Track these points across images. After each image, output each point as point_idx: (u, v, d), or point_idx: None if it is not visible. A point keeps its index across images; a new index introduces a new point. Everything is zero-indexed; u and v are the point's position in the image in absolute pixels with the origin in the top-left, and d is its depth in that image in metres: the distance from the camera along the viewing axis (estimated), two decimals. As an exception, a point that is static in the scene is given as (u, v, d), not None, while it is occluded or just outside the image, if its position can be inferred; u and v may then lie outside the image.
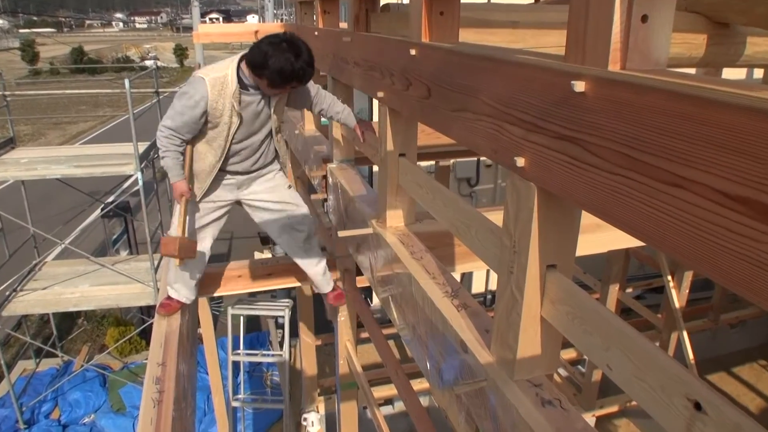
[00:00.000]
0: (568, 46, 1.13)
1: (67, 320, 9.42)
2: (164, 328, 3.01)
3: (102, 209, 8.64)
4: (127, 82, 5.57)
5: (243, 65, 2.71)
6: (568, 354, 6.62)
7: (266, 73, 2.61)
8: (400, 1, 3.51)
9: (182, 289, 3.26)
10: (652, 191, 0.91)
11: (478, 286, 9.41)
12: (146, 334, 8.65)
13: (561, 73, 1.12)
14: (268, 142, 2.99)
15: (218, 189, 3.00)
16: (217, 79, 2.68)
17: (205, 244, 3.11)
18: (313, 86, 3.02)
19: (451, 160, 7.07)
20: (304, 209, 3.22)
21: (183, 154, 2.81)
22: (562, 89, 1.11)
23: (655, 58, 1.03)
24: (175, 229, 2.93)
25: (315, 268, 3.40)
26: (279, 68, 2.57)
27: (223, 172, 2.95)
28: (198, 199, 2.97)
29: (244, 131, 2.84)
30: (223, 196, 3.03)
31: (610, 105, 0.99)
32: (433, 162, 6.79)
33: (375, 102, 2.95)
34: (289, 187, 3.21)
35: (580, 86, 1.05)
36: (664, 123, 0.87)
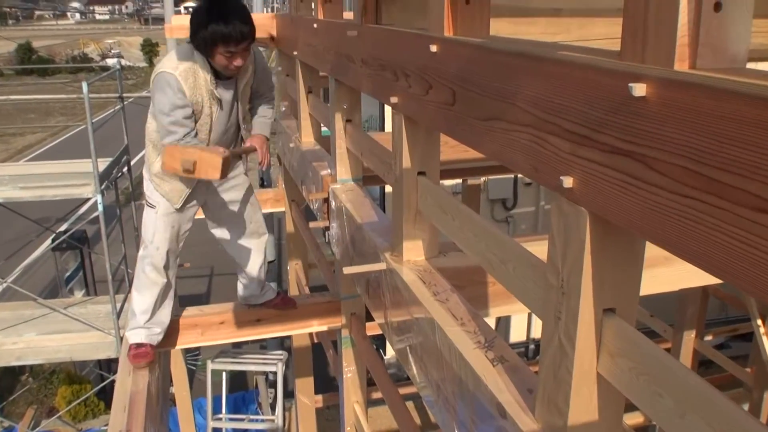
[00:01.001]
0: (624, 41, 1.15)
1: (8, 377, 9.47)
2: (128, 388, 3.03)
3: (53, 240, 8.72)
4: (84, 85, 5.68)
5: None
6: (634, 419, 6.53)
7: (203, 47, 2.92)
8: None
9: (153, 327, 3.37)
10: (734, 218, 0.91)
11: (517, 334, 9.37)
12: (106, 394, 8.67)
13: (616, 73, 1.13)
14: (236, 132, 3.33)
15: (195, 191, 3.31)
16: (187, 71, 2.96)
17: (174, 265, 3.43)
18: (268, 75, 3.43)
19: (482, 178, 7.09)
20: (260, 211, 3.73)
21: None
22: (617, 93, 1.12)
23: (731, 53, 1.04)
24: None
25: (262, 272, 3.73)
26: (206, 36, 2.86)
27: None
28: (179, 206, 3.26)
29: (223, 120, 3.17)
30: (198, 199, 3.37)
31: (677, 112, 1.00)
32: (459, 180, 6.82)
33: (387, 108, 2.97)
34: (250, 187, 3.62)
35: (639, 90, 1.05)
36: (747, 135, 0.88)
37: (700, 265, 1.00)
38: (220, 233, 3.62)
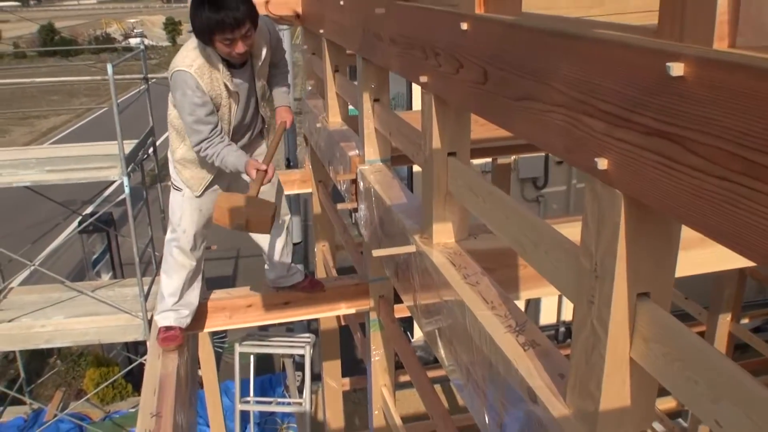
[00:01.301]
0: (661, 18, 1.14)
1: (37, 359, 9.68)
2: (158, 371, 3.09)
3: (79, 223, 8.86)
4: (109, 67, 5.73)
5: None
6: (666, 404, 6.51)
7: (202, 38, 2.92)
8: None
9: (181, 309, 3.41)
10: (773, 201, 0.90)
11: (547, 317, 9.36)
12: (133, 377, 8.83)
13: (653, 52, 1.12)
14: (255, 110, 3.36)
15: (218, 176, 3.34)
16: (202, 67, 2.97)
17: (201, 248, 3.49)
18: (282, 54, 3.44)
19: (513, 157, 7.05)
20: (283, 192, 3.81)
21: (225, 137, 3.15)
22: (655, 73, 1.11)
23: (773, 31, 1.03)
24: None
25: (285, 253, 3.79)
26: (202, 27, 2.87)
27: None
28: (200, 193, 3.30)
29: (242, 107, 3.20)
30: (221, 183, 3.39)
31: (717, 93, 0.99)
32: (489, 159, 6.79)
33: (415, 86, 2.97)
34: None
35: (677, 69, 1.05)
36: (788, 116, 0.87)
37: (736, 249, 0.99)
38: None
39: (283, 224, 3.74)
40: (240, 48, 2.91)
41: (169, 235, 3.43)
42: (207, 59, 2.98)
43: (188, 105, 2.97)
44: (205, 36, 2.90)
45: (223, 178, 3.36)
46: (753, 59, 0.94)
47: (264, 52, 3.19)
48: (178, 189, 3.32)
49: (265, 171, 3.02)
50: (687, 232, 1.30)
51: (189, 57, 2.99)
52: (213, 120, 3.04)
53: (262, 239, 3.67)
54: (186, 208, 3.31)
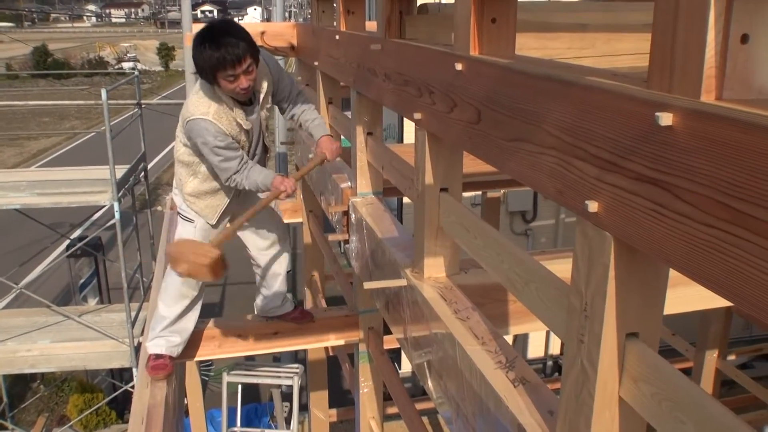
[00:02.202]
0: (651, 70, 1.18)
1: (20, 384, 9.56)
2: (146, 400, 3.07)
3: (68, 247, 8.83)
4: (104, 92, 5.77)
5: None
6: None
7: (206, 76, 2.95)
8: (439, 0, 3.61)
9: (172, 337, 3.41)
10: (760, 251, 0.94)
11: (535, 350, 9.35)
12: (118, 404, 8.74)
13: (643, 102, 1.16)
14: (262, 142, 3.37)
15: (230, 205, 3.35)
16: (218, 111, 3.01)
17: None
18: (290, 82, 3.39)
19: (502, 190, 7.11)
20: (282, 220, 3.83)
21: (249, 161, 3.19)
22: (644, 121, 1.15)
23: (758, 85, 1.07)
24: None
25: (284, 282, 3.78)
26: (204, 65, 2.89)
27: None
28: (215, 222, 3.31)
29: (255, 141, 3.26)
30: (232, 207, 3.38)
31: (704, 143, 1.03)
32: (479, 192, 6.84)
33: (407, 119, 3.00)
34: None
35: (666, 119, 1.09)
36: (772, 168, 0.91)
37: (722, 294, 1.03)
38: (249, 243, 3.62)
39: (286, 251, 3.73)
40: (243, 83, 2.93)
41: None
42: (219, 102, 3.01)
43: (213, 149, 3.01)
44: (209, 74, 2.92)
45: (234, 202, 3.36)
46: (738, 112, 0.98)
47: (265, 85, 3.20)
48: (189, 221, 3.31)
49: (284, 190, 3.05)
50: (675, 270, 1.34)
51: (203, 104, 3.01)
52: (239, 154, 3.08)
53: (264, 265, 3.67)
54: (198, 239, 3.29)
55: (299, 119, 3.42)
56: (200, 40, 2.89)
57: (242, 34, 2.92)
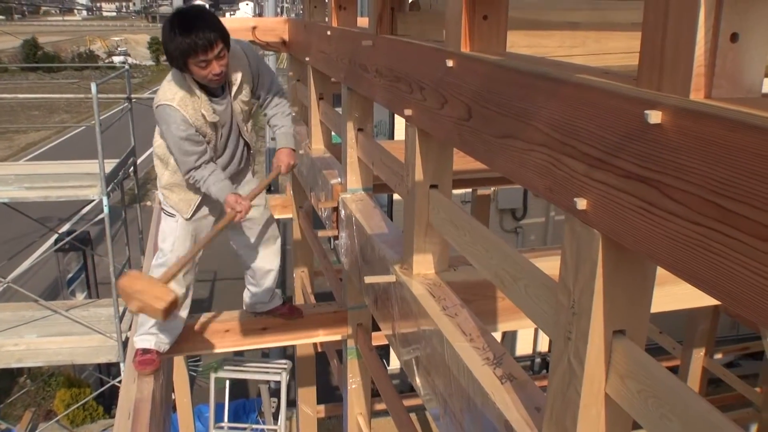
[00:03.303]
0: (641, 68, 1.18)
1: (6, 378, 9.51)
2: (133, 395, 3.06)
3: (56, 241, 8.78)
4: (93, 86, 5.74)
5: None
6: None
7: (177, 63, 2.93)
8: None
9: (161, 334, 3.41)
10: (747, 249, 0.94)
11: (523, 347, 9.38)
12: (104, 399, 8.72)
13: (632, 100, 1.16)
14: (238, 136, 3.34)
15: (207, 200, 3.32)
16: (184, 99, 2.99)
17: (192, 272, 3.45)
18: (270, 78, 3.39)
19: (492, 188, 7.12)
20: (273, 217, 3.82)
21: (213, 164, 3.18)
22: (634, 119, 1.15)
23: (747, 84, 1.08)
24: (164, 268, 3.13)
25: (275, 279, 3.78)
26: (174, 52, 2.87)
27: None
28: (189, 216, 3.28)
29: (225, 134, 3.21)
30: (213, 208, 3.38)
31: (693, 141, 1.03)
32: (469, 190, 6.85)
33: (397, 116, 3.00)
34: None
35: (655, 117, 1.09)
36: (760, 167, 0.91)
37: (709, 292, 1.03)
38: (239, 240, 3.61)
39: (277, 248, 3.73)
40: (216, 68, 2.91)
41: (158, 261, 3.36)
42: (188, 90, 2.99)
43: (173, 138, 2.99)
44: (179, 61, 2.90)
45: (209, 200, 3.34)
46: (727, 111, 0.98)
47: (239, 76, 3.17)
48: (171, 215, 3.30)
49: (238, 212, 3.03)
50: (662, 269, 1.34)
51: (170, 90, 3.00)
52: (198, 150, 3.05)
53: (254, 263, 3.66)
54: (180, 234, 3.28)
55: (269, 121, 3.45)
56: (170, 26, 2.88)
57: (213, 20, 2.93)
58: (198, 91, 3.01)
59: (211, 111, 3.06)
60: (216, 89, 3.09)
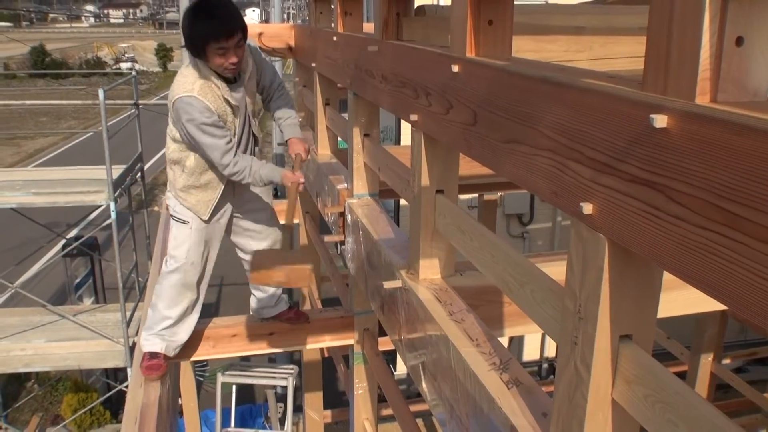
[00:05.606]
0: (646, 72, 1.18)
1: (14, 383, 9.53)
2: (140, 400, 3.06)
3: (63, 246, 8.81)
4: (101, 92, 5.77)
5: None
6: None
7: (196, 48, 2.96)
8: (436, 1, 3.61)
9: (175, 336, 3.41)
10: (754, 253, 0.93)
11: (530, 353, 9.35)
12: (112, 404, 8.72)
13: (637, 104, 1.16)
14: (249, 129, 3.36)
15: (222, 200, 3.33)
16: (203, 87, 2.99)
17: (206, 278, 3.45)
18: (271, 72, 3.45)
19: (499, 193, 7.12)
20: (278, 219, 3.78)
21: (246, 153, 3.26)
22: (639, 124, 1.15)
23: (753, 87, 1.07)
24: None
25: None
26: (195, 36, 2.92)
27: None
28: (207, 217, 3.28)
29: (241, 123, 3.23)
30: (225, 207, 3.39)
31: (699, 146, 1.03)
32: (475, 195, 6.84)
33: (404, 121, 3.02)
34: (269, 194, 3.73)
35: (660, 121, 1.09)
36: (766, 171, 0.91)
37: (716, 297, 1.02)
38: (242, 241, 3.60)
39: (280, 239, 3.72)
40: (233, 58, 2.95)
41: (169, 267, 3.30)
42: (205, 78, 3.00)
43: (198, 126, 2.97)
44: (199, 46, 2.93)
45: (226, 199, 3.34)
46: (732, 115, 0.98)
47: (250, 66, 3.23)
48: (184, 222, 3.26)
49: (301, 181, 3.15)
50: (669, 274, 1.34)
51: (188, 82, 3.00)
52: (224, 133, 3.06)
53: None
54: (195, 239, 3.26)
55: (274, 114, 3.48)
56: (193, 12, 2.93)
57: (235, 10, 3.01)
58: (215, 79, 3.03)
59: (231, 95, 3.10)
60: (230, 78, 3.11)
